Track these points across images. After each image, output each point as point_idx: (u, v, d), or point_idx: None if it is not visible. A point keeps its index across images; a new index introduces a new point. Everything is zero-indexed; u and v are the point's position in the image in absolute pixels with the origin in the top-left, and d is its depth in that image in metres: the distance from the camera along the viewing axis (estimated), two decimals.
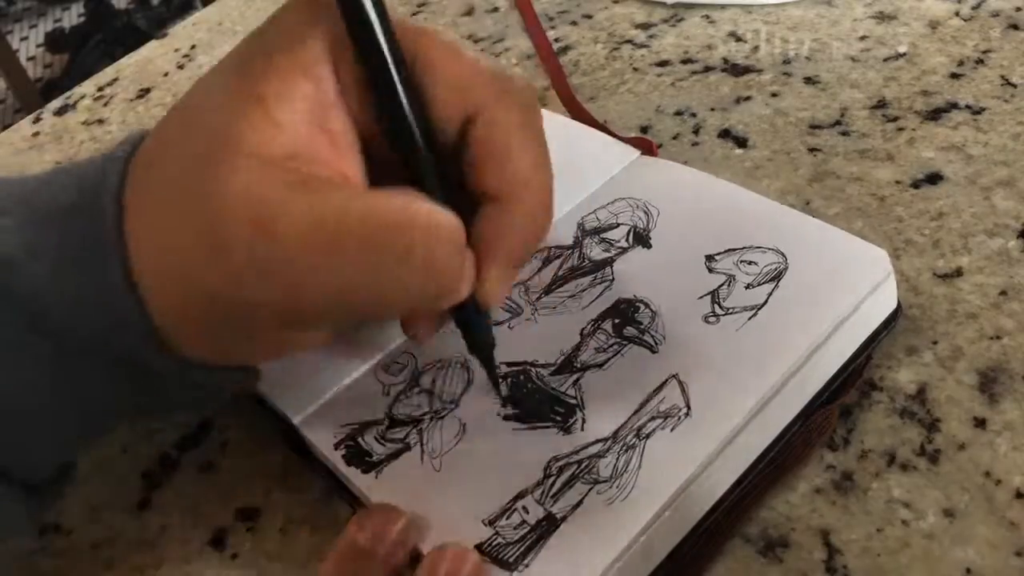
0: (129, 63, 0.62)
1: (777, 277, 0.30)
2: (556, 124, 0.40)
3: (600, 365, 0.29)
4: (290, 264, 0.22)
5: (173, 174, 0.23)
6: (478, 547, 0.25)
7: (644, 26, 0.50)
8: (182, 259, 0.23)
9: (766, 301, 0.29)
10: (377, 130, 0.24)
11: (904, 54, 0.43)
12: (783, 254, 0.31)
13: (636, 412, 0.27)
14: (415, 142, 0.24)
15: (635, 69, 0.47)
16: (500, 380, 0.29)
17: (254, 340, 0.25)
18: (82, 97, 0.59)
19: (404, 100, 0.24)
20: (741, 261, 0.31)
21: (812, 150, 0.39)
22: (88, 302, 0.24)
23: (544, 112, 0.41)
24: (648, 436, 0.27)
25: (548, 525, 0.25)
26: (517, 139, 0.25)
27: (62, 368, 0.25)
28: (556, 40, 0.50)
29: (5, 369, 0.24)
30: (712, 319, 0.29)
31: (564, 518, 0.25)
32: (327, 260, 0.22)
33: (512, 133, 0.25)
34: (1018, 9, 0.44)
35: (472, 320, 0.26)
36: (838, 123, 0.41)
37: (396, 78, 0.24)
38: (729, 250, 0.32)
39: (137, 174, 0.24)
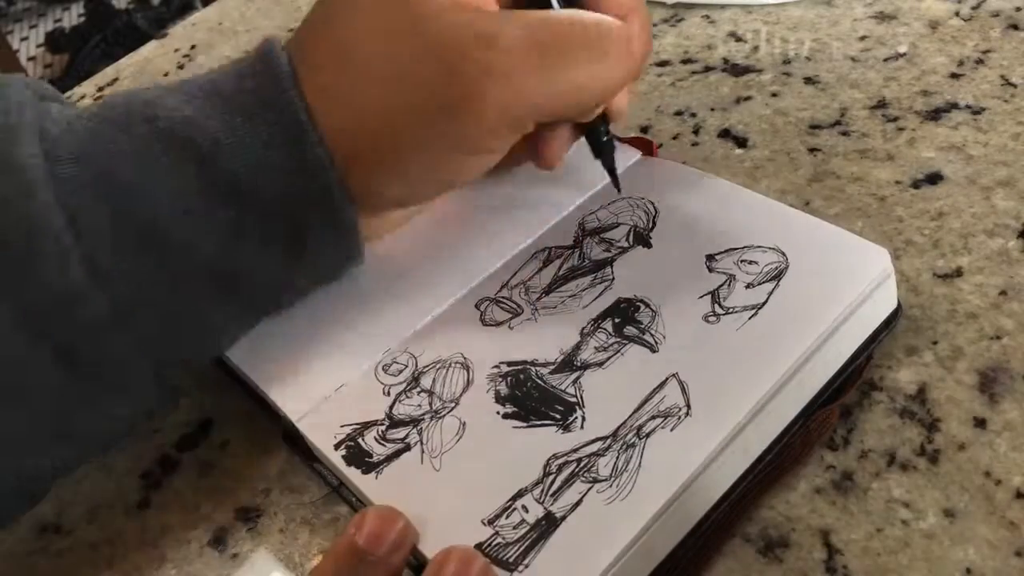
0: (129, 63, 0.62)
1: (778, 276, 0.30)
2: None
3: (600, 364, 0.29)
4: (518, 66, 0.26)
5: (364, 25, 0.27)
6: (478, 547, 0.25)
7: None
8: (394, 86, 0.27)
9: (766, 300, 0.29)
10: None
11: (904, 54, 0.43)
12: (783, 253, 0.31)
13: (636, 411, 0.27)
14: None
15: None
16: (617, 179, 0.34)
17: (447, 161, 0.29)
18: (82, 97, 0.59)
19: None
20: (741, 260, 0.31)
21: (812, 150, 0.39)
22: (269, 144, 0.27)
23: None
24: (648, 435, 0.27)
25: (548, 525, 0.25)
26: None
27: (233, 230, 0.27)
28: None
29: (187, 213, 0.27)
30: (712, 319, 0.29)
31: (564, 518, 0.25)
32: (545, 58, 0.27)
33: None
34: (1018, 9, 0.44)
35: (599, 132, 0.32)
36: (838, 123, 0.41)
37: None
38: (729, 249, 0.32)
39: (304, 41, 0.28)
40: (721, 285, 0.30)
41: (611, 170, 0.33)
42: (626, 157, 0.37)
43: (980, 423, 0.29)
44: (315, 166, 0.27)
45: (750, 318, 0.29)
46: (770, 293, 0.30)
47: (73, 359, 0.26)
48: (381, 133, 0.27)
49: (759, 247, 0.31)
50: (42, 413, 0.26)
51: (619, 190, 0.34)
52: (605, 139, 0.32)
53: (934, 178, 0.37)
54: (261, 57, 0.28)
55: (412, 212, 0.34)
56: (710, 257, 0.32)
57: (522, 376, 0.29)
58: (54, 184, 0.25)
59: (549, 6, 0.29)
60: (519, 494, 0.26)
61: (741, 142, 0.41)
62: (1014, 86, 0.40)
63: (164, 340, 0.28)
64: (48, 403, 0.26)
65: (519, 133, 0.28)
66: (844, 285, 0.29)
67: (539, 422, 0.28)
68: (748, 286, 0.30)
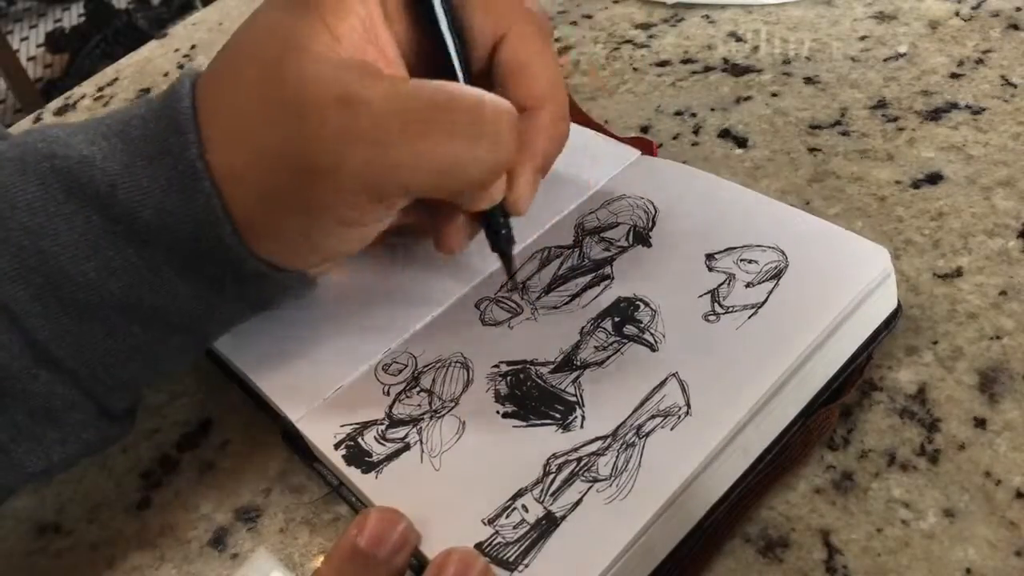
0: (129, 63, 0.62)
1: (777, 275, 0.30)
2: None
3: (600, 363, 0.29)
4: (377, 134, 0.25)
5: (249, 76, 0.26)
6: (478, 546, 0.25)
7: (644, 26, 0.50)
8: (266, 141, 0.25)
9: (766, 299, 0.29)
10: (413, 54, 0.28)
11: (904, 54, 0.43)
12: (783, 252, 0.31)
13: (636, 410, 0.27)
14: (453, 63, 0.28)
15: (635, 69, 0.47)
16: (514, 273, 0.32)
17: (319, 228, 0.27)
18: (82, 97, 0.59)
19: (445, 24, 0.28)
20: (741, 259, 0.31)
21: (812, 150, 0.39)
22: (168, 189, 0.26)
23: None
24: (648, 435, 0.27)
25: (548, 524, 0.25)
26: (539, 56, 0.29)
27: (143, 266, 0.26)
28: (556, 40, 0.50)
29: (96, 269, 0.26)
30: (712, 318, 0.29)
31: (564, 517, 0.25)
32: (407, 129, 0.25)
33: (535, 51, 0.29)
34: (1018, 9, 0.44)
35: (498, 223, 0.30)
36: (838, 123, 0.41)
37: (438, 4, 0.28)
38: (729, 248, 0.32)
39: (206, 86, 0.27)
40: (721, 284, 0.30)
41: (507, 264, 0.31)
42: (625, 156, 0.37)
43: (980, 423, 0.29)
44: (210, 215, 0.26)
45: (750, 317, 0.29)
46: (770, 292, 0.30)
47: (1, 397, 0.26)
48: (256, 196, 0.26)
49: (759, 246, 0.31)
50: None
51: (515, 287, 0.32)
52: (503, 231, 0.30)
53: (934, 178, 0.37)
54: (168, 96, 0.27)
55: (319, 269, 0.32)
56: (710, 256, 0.32)
57: (522, 375, 0.29)
58: None
59: (455, 77, 0.28)
60: (519, 494, 0.26)
61: (741, 142, 0.41)
62: (1014, 86, 0.40)
63: (95, 371, 0.27)
64: None
65: (385, 206, 0.26)
66: (844, 284, 0.29)
67: (539, 421, 0.28)
68: (748, 285, 0.30)
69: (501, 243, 0.30)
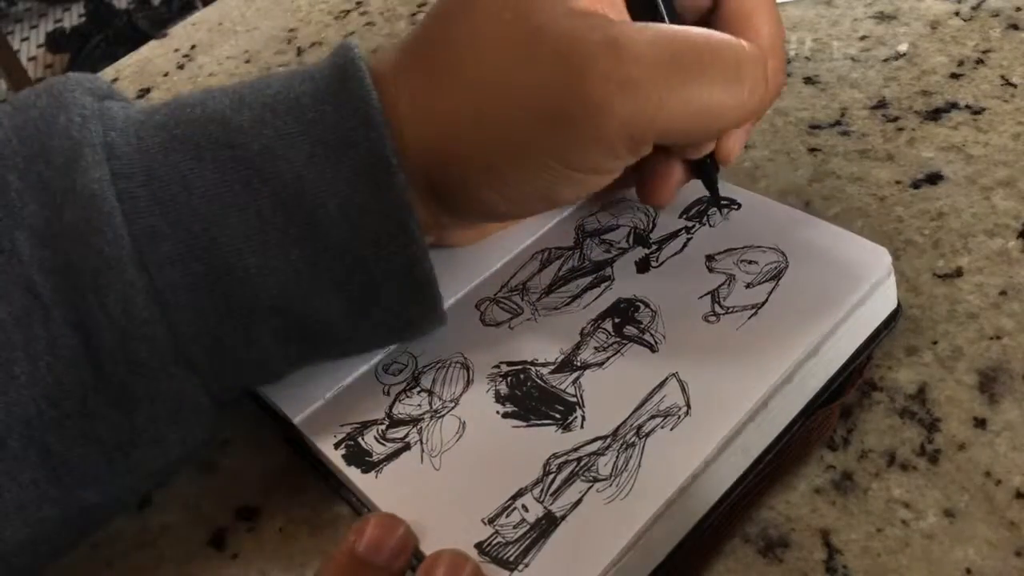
0: (129, 63, 0.62)
1: (777, 276, 0.30)
2: None
3: (600, 364, 0.29)
4: (644, 77, 0.24)
5: (488, 30, 0.26)
6: (478, 546, 0.25)
7: None
8: (508, 93, 0.25)
9: (766, 300, 0.29)
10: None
11: (904, 54, 0.43)
12: (783, 253, 0.31)
13: (636, 410, 0.27)
14: (662, 11, 0.28)
15: None
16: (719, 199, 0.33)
17: (554, 177, 0.26)
18: None
19: None
20: (741, 260, 0.31)
21: (812, 150, 0.39)
22: (352, 182, 0.25)
23: None
24: (648, 435, 0.27)
25: (547, 524, 0.25)
26: (764, 7, 0.29)
27: (305, 269, 0.26)
28: None
29: (257, 265, 0.26)
30: (712, 318, 0.29)
31: (564, 517, 0.25)
32: (674, 72, 0.25)
33: (760, 2, 0.29)
34: (1018, 9, 0.44)
35: (710, 173, 0.31)
36: (838, 123, 0.41)
37: None
38: (729, 249, 0.32)
39: (416, 50, 0.27)
40: (721, 285, 0.30)
41: (718, 202, 0.33)
42: None
43: (980, 423, 0.29)
44: (399, 208, 0.26)
45: (750, 318, 0.29)
46: (770, 293, 0.30)
47: (130, 397, 0.25)
48: (493, 150, 0.26)
49: (759, 247, 0.31)
50: (101, 444, 0.26)
51: (717, 205, 0.33)
52: (713, 181, 0.32)
53: (934, 178, 0.37)
54: (345, 79, 0.26)
55: (506, 224, 0.33)
56: (709, 257, 0.32)
57: (522, 376, 0.29)
58: (123, 208, 0.25)
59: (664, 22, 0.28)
60: (519, 493, 0.26)
61: None
62: (1014, 86, 0.40)
63: (221, 374, 0.27)
64: (107, 436, 0.26)
65: (636, 154, 0.26)
66: (844, 285, 0.29)
67: (539, 422, 0.28)
68: (748, 286, 0.30)
69: (714, 188, 0.32)
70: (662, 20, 0.28)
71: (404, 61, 0.27)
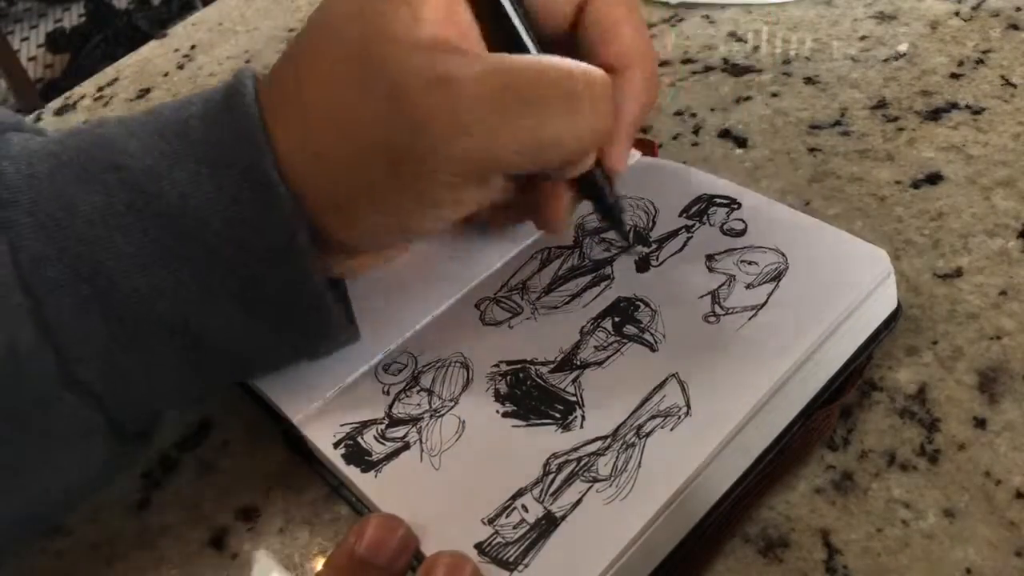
0: (129, 63, 0.62)
1: (777, 277, 0.30)
2: None
3: (600, 363, 0.29)
4: (474, 114, 0.24)
5: (330, 68, 0.26)
6: (478, 546, 0.25)
7: None
8: (353, 132, 0.25)
9: (766, 301, 0.29)
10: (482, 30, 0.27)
11: (904, 54, 0.43)
12: (783, 254, 0.31)
13: (636, 410, 0.27)
14: (522, 36, 0.27)
15: None
16: (626, 237, 0.32)
17: (408, 212, 0.27)
18: (82, 97, 0.59)
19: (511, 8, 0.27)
20: (741, 261, 0.31)
21: (812, 150, 0.39)
22: (238, 199, 0.25)
23: None
24: (648, 435, 0.27)
25: (547, 524, 0.25)
26: (629, 16, 0.29)
27: (196, 287, 0.26)
28: None
29: (148, 286, 0.25)
30: (712, 319, 0.29)
31: (564, 517, 0.25)
32: (506, 106, 0.25)
33: (624, 11, 0.29)
34: (1018, 9, 0.44)
35: (601, 188, 0.30)
36: (838, 123, 0.41)
37: None
38: (729, 250, 0.32)
39: (275, 84, 0.26)
40: (721, 285, 0.30)
41: (620, 230, 0.31)
42: None
43: (980, 423, 0.29)
44: (283, 222, 0.26)
45: (750, 319, 0.29)
46: (770, 294, 0.30)
47: (21, 421, 0.25)
48: (344, 186, 0.26)
49: (759, 248, 0.31)
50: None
51: (627, 241, 0.32)
52: (611, 200, 0.30)
53: (934, 178, 0.37)
54: (230, 99, 0.26)
55: (390, 254, 0.32)
56: (710, 257, 0.32)
57: (522, 375, 0.29)
58: (9, 234, 0.25)
59: (526, 50, 0.27)
60: (519, 493, 0.26)
61: (741, 142, 0.41)
62: (1014, 86, 0.40)
63: (121, 397, 0.27)
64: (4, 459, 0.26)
65: (483, 185, 0.26)
66: (843, 288, 0.29)
67: (539, 421, 0.28)
68: (748, 287, 0.30)
69: (613, 211, 0.30)
70: (518, 44, 0.27)
71: (273, 91, 0.27)
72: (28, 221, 0.25)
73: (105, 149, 0.26)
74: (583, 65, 0.26)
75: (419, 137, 0.24)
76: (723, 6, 0.49)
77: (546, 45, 0.28)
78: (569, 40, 0.29)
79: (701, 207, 0.33)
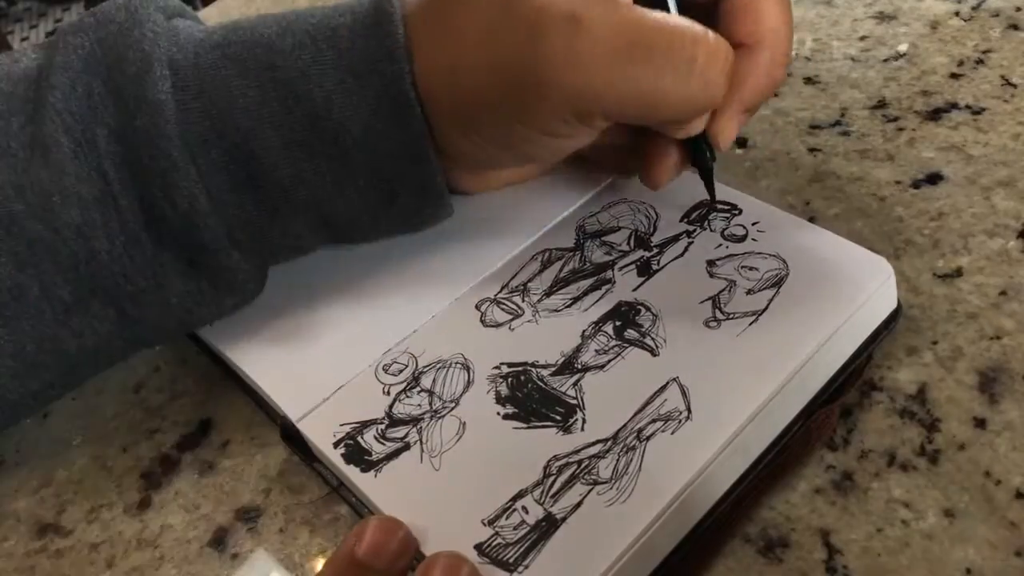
0: None
1: (778, 283, 0.30)
2: None
3: (601, 367, 0.29)
4: (594, 55, 0.26)
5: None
6: (478, 547, 0.25)
7: None
8: (488, 57, 0.27)
9: (767, 307, 0.29)
10: None
11: (904, 54, 0.43)
12: (784, 260, 0.31)
13: (636, 414, 0.27)
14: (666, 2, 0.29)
15: None
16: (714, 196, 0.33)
17: (523, 137, 0.29)
18: None
19: None
20: (742, 267, 0.31)
21: (812, 150, 0.39)
22: (377, 111, 0.28)
23: None
24: (648, 438, 0.27)
25: (548, 526, 0.25)
26: None
27: (331, 180, 0.30)
28: None
29: (290, 176, 0.29)
30: (713, 324, 0.29)
31: (564, 519, 0.25)
32: (624, 55, 0.26)
33: None
34: (1018, 9, 0.44)
35: (704, 159, 0.31)
36: (838, 123, 0.41)
37: None
38: (730, 255, 0.32)
39: (420, 12, 0.29)
40: (722, 291, 0.30)
41: (711, 188, 0.33)
42: None
43: (980, 423, 0.29)
44: (417, 140, 0.29)
45: (750, 324, 0.29)
46: (770, 300, 0.30)
47: (197, 269, 0.30)
48: (470, 99, 0.28)
49: (760, 253, 0.31)
50: (169, 308, 0.30)
51: (713, 199, 0.33)
52: (708, 166, 0.32)
53: (934, 178, 0.37)
54: (379, 14, 0.29)
55: (518, 175, 0.36)
56: (711, 262, 0.32)
57: (523, 377, 0.29)
58: (181, 118, 0.28)
59: (666, 7, 0.29)
60: (519, 495, 0.26)
61: (741, 142, 0.41)
62: (1014, 86, 0.40)
63: (263, 253, 0.32)
64: (176, 302, 0.30)
65: (588, 125, 0.28)
66: (843, 295, 0.29)
67: (539, 423, 0.28)
68: (749, 292, 0.30)
69: (707, 173, 0.32)
70: (660, 1, 0.29)
71: (421, 10, 0.29)
72: (196, 106, 0.29)
73: (263, 47, 0.29)
74: (711, 34, 0.27)
75: (541, 65, 0.26)
76: None
77: (687, 8, 0.29)
78: (712, 8, 0.30)
79: (702, 212, 0.33)
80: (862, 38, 0.45)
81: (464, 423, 0.29)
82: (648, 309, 0.31)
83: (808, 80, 0.43)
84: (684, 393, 0.28)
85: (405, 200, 0.31)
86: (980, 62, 0.42)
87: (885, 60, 0.43)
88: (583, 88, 0.26)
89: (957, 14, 0.45)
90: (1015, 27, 0.43)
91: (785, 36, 0.30)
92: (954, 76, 0.41)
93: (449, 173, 0.32)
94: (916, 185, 0.37)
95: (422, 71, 0.28)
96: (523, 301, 0.32)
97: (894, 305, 0.31)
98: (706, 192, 0.33)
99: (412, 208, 0.31)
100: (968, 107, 0.40)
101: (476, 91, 0.28)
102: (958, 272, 0.33)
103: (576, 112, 0.27)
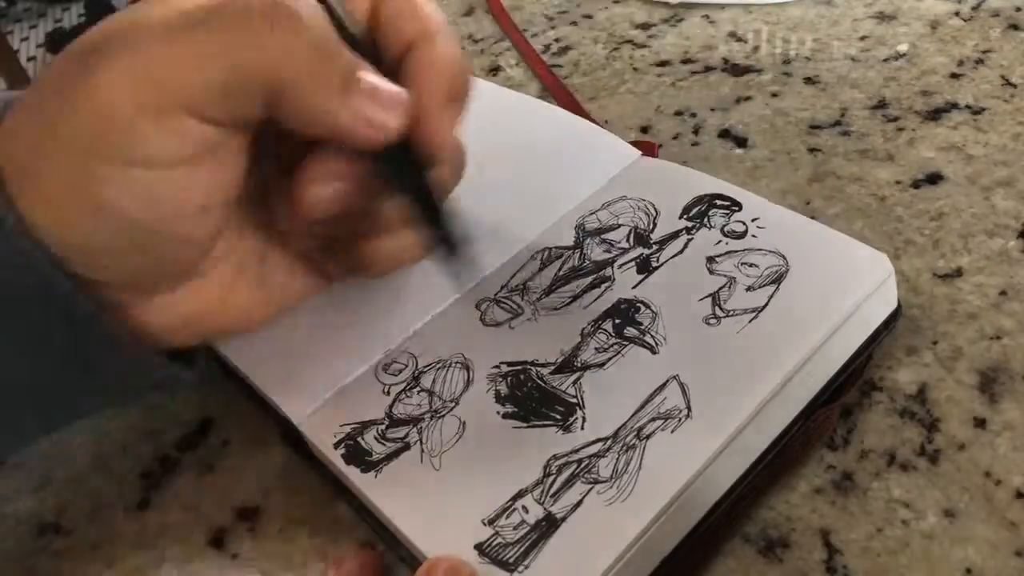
0: None
1: (778, 280, 0.30)
2: (558, 118, 0.40)
3: (600, 365, 0.29)
4: (132, 34, 0.22)
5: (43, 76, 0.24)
6: (478, 547, 0.25)
7: (644, 26, 0.50)
8: (46, 109, 0.23)
9: (767, 304, 0.29)
10: None
11: (904, 54, 0.43)
12: (784, 257, 0.31)
13: (636, 412, 0.27)
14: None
15: (635, 69, 0.47)
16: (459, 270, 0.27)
17: (97, 173, 0.23)
18: None
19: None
20: (742, 263, 0.31)
21: (812, 150, 0.39)
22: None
23: (547, 106, 0.41)
24: (648, 437, 0.27)
25: (548, 525, 0.25)
26: None
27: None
28: (556, 40, 0.50)
29: None
30: (713, 321, 0.29)
31: (564, 518, 0.25)
32: (179, 27, 0.22)
33: None
34: (1018, 9, 0.45)
35: (415, 176, 0.26)
36: (838, 123, 0.41)
37: None
38: (730, 252, 0.32)
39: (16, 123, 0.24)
40: (722, 287, 0.30)
41: (449, 254, 0.26)
42: (626, 156, 0.37)
43: (980, 423, 0.29)
44: (26, 254, 0.23)
45: (750, 321, 0.29)
46: (770, 297, 0.30)
47: None
48: (36, 150, 0.23)
49: (759, 250, 0.31)
50: None
51: (456, 278, 0.28)
52: (439, 211, 0.25)
53: (934, 178, 0.37)
54: None
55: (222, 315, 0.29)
56: (710, 259, 0.32)
57: (522, 376, 0.29)
58: None
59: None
60: (519, 494, 0.26)
61: (741, 142, 0.41)
62: (1014, 86, 0.40)
63: None
64: None
65: (173, 130, 0.23)
66: (844, 291, 0.29)
67: (539, 422, 0.28)
68: (748, 289, 0.30)
69: (431, 215, 0.25)
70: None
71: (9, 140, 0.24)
72: None
73: None
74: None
75: (82, 73, 0.22)
76: (723, 6, 0.49)
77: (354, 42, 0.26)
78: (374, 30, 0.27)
79: (701, 209, 0.33)
80: (862, 38, 0.45)
81: (464, 423, 0.28)
82: (648, 307, 0.31)
83: (808, 80, 0.43)
84: (684, 391, 0.28)
85: (62, 337, 0.24)
86: (980, 62, 0.42)
87: (885, 60, 0.43)
88: (144, 72, 0.22)
89: (957, 14, 0.45)
90: (1015, 27, 0.43)
91: (449, 28, 0.27)
92: (954, 76, 0.41)
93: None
94: (916, 185, 0.37)
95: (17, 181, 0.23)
96: (523, 300, 0.32)
97: (894, 304, 0.31)
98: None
99: (82, 350, 0.25)
100: (968, 107, 0.40)
101: (39, 147, 0.23)
102: (958, 272, 0.33)
103: (150, 110, 0.22)
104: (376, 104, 0.24)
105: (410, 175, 0.26)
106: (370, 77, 0.24)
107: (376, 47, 0.27)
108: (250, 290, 0.29)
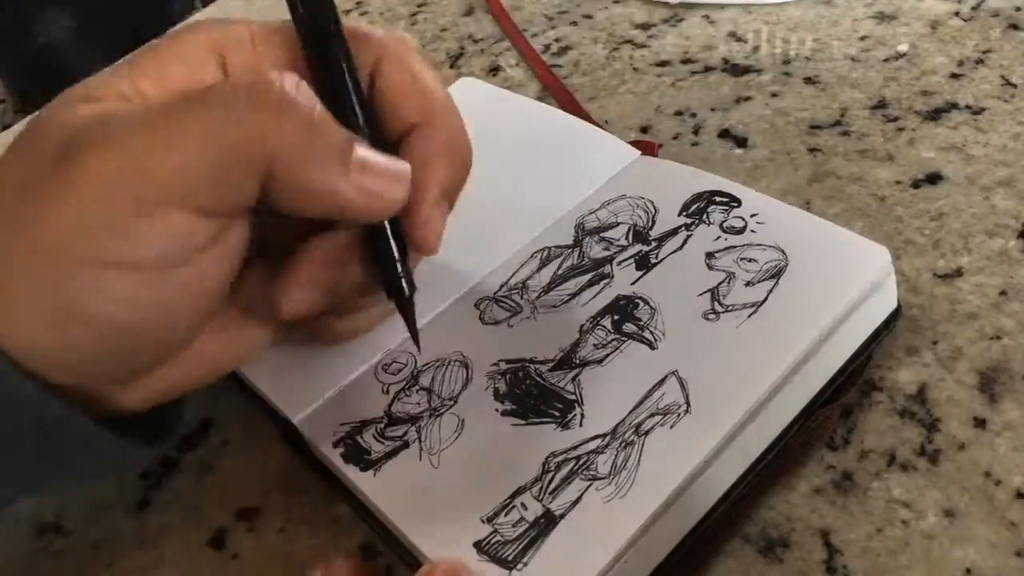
0: None
1: (777, 274, 0.30)
2: (557, 120, 0.40)
3: (599, 361, 0.29)
4: (117, 134, 0.21)
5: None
6: (476, 545, 0.25)
7: (644, 26, 0.50)
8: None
9: (766, 299, 0.29)
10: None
11: (904, 54, 0.43)
12: (783, 251, 0.31)
13: (635, 408, 0.27)
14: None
15: (635, 69, 0.47)
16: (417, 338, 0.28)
17: (77, 280, 0.22)
18: None
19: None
20: (741, 258, 0.31)
21: (812, 150, 0.39)
22: None
23: (546, 108, 0.41)
24: (647, 433, 0.27)
25: (546, 523, 0.25)
26: (424, 72, 0.26)
27: None
28: (556, 40, 0.50)
29: None
30: (712, 316, 0.29)
31: (563, 516, 0.25)
32: (159, 120, 0.22)
33: (417, 64, 0.26)
34: (1018, 9, 0.44)
35: (393, 268, 0.26)
36: (838, 123, 0.41)
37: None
38: (729, 247, 0.32)
39: None
40: (721, 283, 0.30)
41: (409, 324, 0.27)
42: (626, 156, 0.37)
43: (980, 423, 0.29)
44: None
45: (749, 316, 0.29)
46: (769, 291, 0.30)
47: None
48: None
49: (758, 245, 0.31)
50: None
51: (417, 344, 0.28)
52: (402, 279, 0.26)
53: (934, 178, 0.37)
54: None
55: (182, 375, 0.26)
56: (709, 255, 0.31)
57: (521, 373, 0.29)
58: None
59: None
60: (518, 492, 0.26)
61: (741, 142, 0.41)
62: (1014, 86, 0.40)
63: None
64: None
65: (160, 224, 0.22)
66: (843, 284, 0.29)
67: (538, 420, 0.28)
68: (748, 284, 0.30)
69: (399, 292, 0.26)
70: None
71: None
72: None
73: None
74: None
75: (65, 157, 0.21)
76: (723, 6, 0.49)
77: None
78: (371, 96, 0.27)
79: (700, 205, 0.33)
80: (862, 38, 0.45)
81: (463, 420, 0.28)
82: (646, 302, 0.31)
83: (808, 80, 0.43)
84: (683, 386, 0.28)
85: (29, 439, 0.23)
86: (980, 62, 0.42)
87: (885, 60, 0.43)
88: (123, 168, 0.21)
89: (957, 14, 0.45)
90: (1015, 27, 0.43)
91: (455, 110, 0.27)
92: (954, 76, 0.41)
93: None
94: (916, 185, 0.37)
95: None
96: (522, 298, 0.32)
97: (894, 303, 0.31)
98: None
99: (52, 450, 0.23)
100: (968, 107, 0.40)
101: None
102: (958, 272, 0.33)
103: (131, 204, 0.21)
104: (377, 176, 0.24)
105: (387, 256, 0.26)
106: (366, 150, 0.24)
107: (376, 120, 0.26)
108: (219, 345, 0.27)
